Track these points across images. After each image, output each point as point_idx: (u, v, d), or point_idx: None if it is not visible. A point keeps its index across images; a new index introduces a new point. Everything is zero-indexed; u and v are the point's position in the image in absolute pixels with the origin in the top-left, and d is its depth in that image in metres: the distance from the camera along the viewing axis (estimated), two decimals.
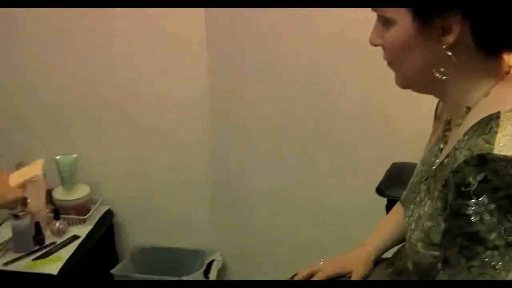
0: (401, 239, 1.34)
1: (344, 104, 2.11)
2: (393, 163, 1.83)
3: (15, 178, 1.79)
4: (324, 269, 1.35)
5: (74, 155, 2.32)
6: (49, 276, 2.06)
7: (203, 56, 2.16)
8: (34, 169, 1.83)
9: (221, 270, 2.45)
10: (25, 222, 2.14)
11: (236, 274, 2.51)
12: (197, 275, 2.28)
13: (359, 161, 2.15)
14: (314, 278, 1.33)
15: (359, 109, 2.10)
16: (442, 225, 0.94)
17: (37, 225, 2.20)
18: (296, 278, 1.36)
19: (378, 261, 1.37)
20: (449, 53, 0.95)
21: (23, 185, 1.77)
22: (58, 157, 2.31)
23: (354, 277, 1.31)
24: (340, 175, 2.19)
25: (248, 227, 2.39)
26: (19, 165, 2.30)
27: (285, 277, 1.41)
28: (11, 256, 2.15)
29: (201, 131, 2.28)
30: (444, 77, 0.98)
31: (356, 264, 1.34)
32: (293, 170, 2.25)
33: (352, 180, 2.17)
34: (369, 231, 1.42)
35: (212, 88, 2.20)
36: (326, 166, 2.20)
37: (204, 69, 2.18)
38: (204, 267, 2.36)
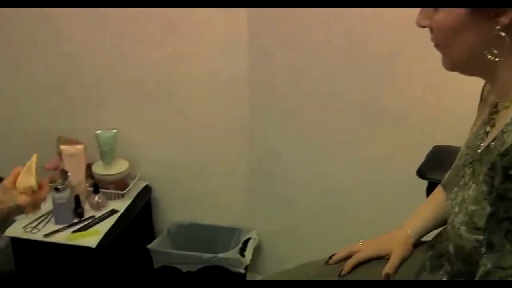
0: (441, 223, 1.32)
1: (386, 85, 2.07)
2: (435, 146, 1.80)
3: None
4: (363, 250, 1.33)
5: (115, 130, 2.34)
6: (88, 248, 2.09)
7: (243, 31, 2.15)
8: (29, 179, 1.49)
9: (256, 249, 2.45)
10: (65, 195, 2.18)
11: (271, 253, 2.51)
12: (233, 253, 2.29)
13: (401, 143, 2.11)
14: (352, 259, 1.31)
15: (401, 91, 2.06)
16: (487, 209, 0.92)
17: (77, 198, 2.24)
18: (333, 258, 1.35)
19: (417, 244, 1.35)
20: (503, 34, 0.92)
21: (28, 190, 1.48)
22: (98, 131, 2.33)
23: (393, 258, 1.29)
24: (382, 156, 2.16)
25: (285, 206, 2.38)
26: (59, 140, 2.34)
27: (322, 257, 1.40)
28: (51, 228, 2.18)
29: (240, 110, 2.27)
30: (497, 59, 0.95)
31: (395, 246, 1.32)
32: (334, 150, 2.22)
33: (393, 162, 2.14)
34: (408, 214, 1.40)
35: (252, 69, 2.18)
36: (368, 146, 2.17)
37: (245, 46, 2.16)
38: (240, 245, 2.36)
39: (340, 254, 1.35)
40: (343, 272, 1.29)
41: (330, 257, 1.36)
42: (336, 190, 2.25)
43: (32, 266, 2.26)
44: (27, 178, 1.45)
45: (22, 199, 1.45)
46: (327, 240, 2.21)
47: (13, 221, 2.22)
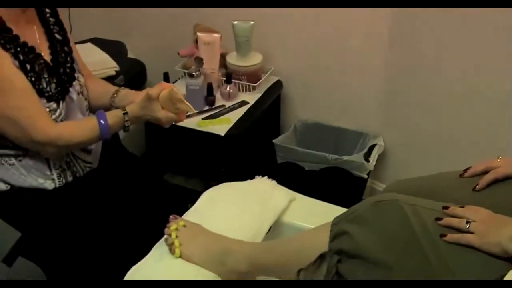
0: None
1: None
2: None
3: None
4: (502, 166, 1.24)
5: (252, 22, 2.31)
6: (216, 136, 2.14)
7: None
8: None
9: (381, 156, 2.41)
10: (198, 82, 2.22)
11: (396, 162, 2.46)
12: (358, 157, 2.26)
13: None
14: (490, 175, 1.23)
15: None
16: None
17: (209, 86, 2.27)
18: (469, 172, 1.27)
19: None
20: None
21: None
22: (235, 22, 2.31)
23: None
24: None
25: (416, 117, 2.29)
26: (195, 28, 2.36)
27: (450, 168, 1.34)
28: None
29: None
30: None
31: None
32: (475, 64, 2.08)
33: None
34: None
35: None
36: None
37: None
38: (365, 150, 2.33)
39: (476, 168, 1.27)
40: (479, 187, 1.22)
41: (465, 171, 1.29)
42: (476, 102, 2.10)
43: (161, 147, 2.36)
44: (176, 99, 1.55)
45: (163, 115, 1.56)
46: (457, 156, 2.13)
47: None
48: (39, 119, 1.46)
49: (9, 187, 1.56)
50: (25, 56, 1.46)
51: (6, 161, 1.53)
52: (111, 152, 1.80)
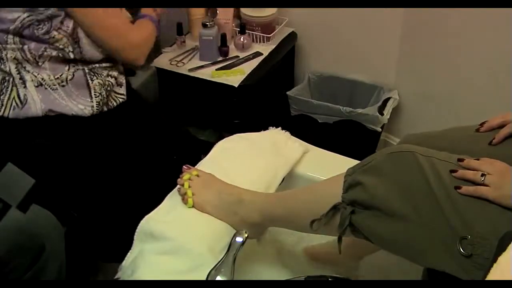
0: None
1: None
2: None
3: None
4: None
5: None
6: (230, 87, 2.13)
7: None
8: None
9: (395, 109, 2.39)
10: (212, 32, 2.19)
11: (410, 116, 2.43)
12: (372, 110, 2.24)
13: None
14: (506, 129, 1.21)
15: None
16: None
17: (223, 37, 2.25)
18: (486, 126, 1.25)
19: None
20: None
21: None
22: None
23: None
24: None
25: (430, 70, 2.25)
26: None
27: (465, 122, 1.32)
28: (196, 63, 2.23)
29: None
30: None
31: None
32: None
33: None
34: None
35: None
36: None
37: None
38: (379, 103, 2.31)
39: (492, 122, 1.25)
40: (495, 141, 1.20)
41: (481, 125, 1.27)
42: (494, 58, 2.06)
43: (174, 97, 2.35)
44: None
45: None
46: (473, 111, 2.10)
47: (160, 53, 2.29)
48: (130, 27, 1.73)
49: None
50: None
51: (49, 86, 1.59)
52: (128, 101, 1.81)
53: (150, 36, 1.80)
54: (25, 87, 1.58)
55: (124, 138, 1.70)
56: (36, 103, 1.58)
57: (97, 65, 1.69)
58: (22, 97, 1.58)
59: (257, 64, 2.24)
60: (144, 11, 1.85)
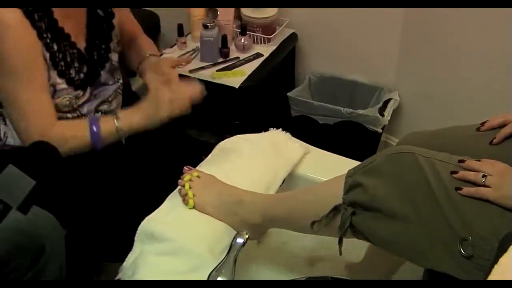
0: None
1: None
2: None
3: None
4: None
5: None
6: (231, 88, 2.13)
7: None
8: None
9: (396, 110, 2.39)
10: (213, 33, 2.19)
11: (411, 117, 2.43)
12: (372, 111, 2.24)
13: None
14: (507, 129, 1.21)
15: None
16: None
17: (224, 38, 2.25)
18: (486, 125, 1.25)
19: None
20: None
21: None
22: None
23: None
24: None
25: (431, 71, 2.26)
26: None
27: (466, 122, 1.32)
28: (197, 64, 2.24)
29: None
30: None
31: None
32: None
33: None
34: None
35: None
36: None
37: None
38: (380, 104, 2.31)
39: (493, 121, 1.25)
40: (495, 141, 1.20)
41: (482, 124, 1.27)
42: (494, 59, 2.06)
43: None
44: None
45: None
46: (473, 111, 2.10)
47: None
48: (43, 117, 1.44)
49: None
50: (59, 45, 1.45)
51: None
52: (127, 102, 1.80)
53: (72, 138, 1.48)
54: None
55: (125, 139, 1.69)
56: None
57: None
58: None
59: (258, 65, 2.24)
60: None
